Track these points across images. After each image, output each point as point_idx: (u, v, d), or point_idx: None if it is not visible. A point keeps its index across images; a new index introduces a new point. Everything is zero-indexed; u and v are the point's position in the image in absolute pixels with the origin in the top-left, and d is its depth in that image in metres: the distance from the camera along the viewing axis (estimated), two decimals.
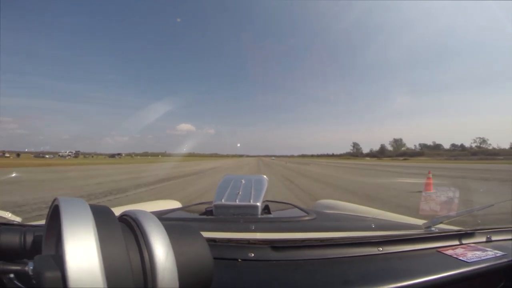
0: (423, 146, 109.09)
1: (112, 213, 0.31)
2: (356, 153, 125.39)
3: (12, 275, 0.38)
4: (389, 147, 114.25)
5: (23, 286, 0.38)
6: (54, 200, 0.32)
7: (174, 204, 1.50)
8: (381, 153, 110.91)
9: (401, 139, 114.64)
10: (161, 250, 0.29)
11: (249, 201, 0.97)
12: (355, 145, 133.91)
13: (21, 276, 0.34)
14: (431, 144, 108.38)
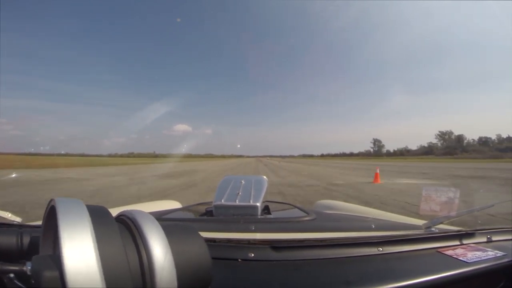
0: (485, 141, 73.04)
1: (109, 213, 0.31)
2: (378, 152, 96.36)
3: (12, 275, 0.38)
4: (437, 143, 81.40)
5: (23, 286, 0.38)
6: (51, 200, 0.31)
7: (174, 205, 1.50)
8: (463, 149, 70.07)
9: (451, 132, 79.26)
10: (159, 250, 0.29)
11: (249, 202, 0.97)
12: (376, 141, 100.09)
13: (20, 276, 0.33)
14: (495, 138, 70.71)
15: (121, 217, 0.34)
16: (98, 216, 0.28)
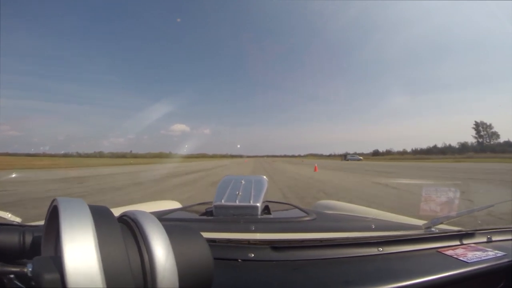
0: None
1: (111, 214, 0.31)
2: (485, 144, 49.44)
3: (12, 275, 0.38)
4: None
5: (23, 286, 0.38)
6: (53, 200, 0.31)
7: (174, 205, 1.50)
8: None
9: None
10: (161, 250, 0.29)
11: (249, 202, 0.97)
12: (482, 126, 51.80)
13: (21, 277, 0.34)
14: None
15: (123, 217, 0.34)
16: (101, 217, 0.28)
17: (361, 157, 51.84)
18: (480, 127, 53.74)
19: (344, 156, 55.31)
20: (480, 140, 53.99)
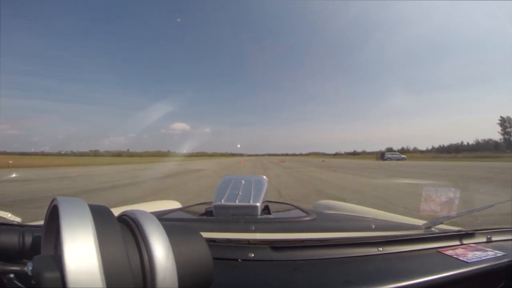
0: None
1: (111, 213, 0.31)
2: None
3: (12, 275, 0.38)
4: None
5: (23, 286, 0.39)
6: (53, 200, 0.31)
7: (174, 205, 1.50)
8: None
9: None
10: (160, 250, 0.29)
11: (249, 202, 0.97)
12: (510, 122, 40.45)
13: (21, 276, 0.34)
14: None
15: (123, 217, 0.34)
16: (100, 216, 0.28)
17: (404, 156, 40.11)
18: (506, 123, 45.99)
19: (382, 155, 41.88)
20: (507, 136, 47.81)
